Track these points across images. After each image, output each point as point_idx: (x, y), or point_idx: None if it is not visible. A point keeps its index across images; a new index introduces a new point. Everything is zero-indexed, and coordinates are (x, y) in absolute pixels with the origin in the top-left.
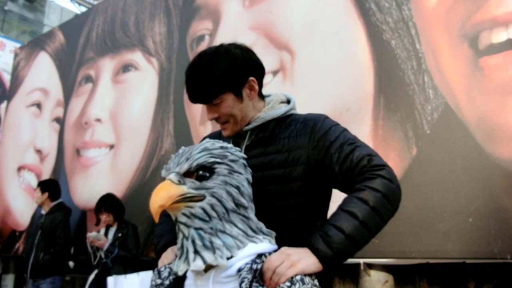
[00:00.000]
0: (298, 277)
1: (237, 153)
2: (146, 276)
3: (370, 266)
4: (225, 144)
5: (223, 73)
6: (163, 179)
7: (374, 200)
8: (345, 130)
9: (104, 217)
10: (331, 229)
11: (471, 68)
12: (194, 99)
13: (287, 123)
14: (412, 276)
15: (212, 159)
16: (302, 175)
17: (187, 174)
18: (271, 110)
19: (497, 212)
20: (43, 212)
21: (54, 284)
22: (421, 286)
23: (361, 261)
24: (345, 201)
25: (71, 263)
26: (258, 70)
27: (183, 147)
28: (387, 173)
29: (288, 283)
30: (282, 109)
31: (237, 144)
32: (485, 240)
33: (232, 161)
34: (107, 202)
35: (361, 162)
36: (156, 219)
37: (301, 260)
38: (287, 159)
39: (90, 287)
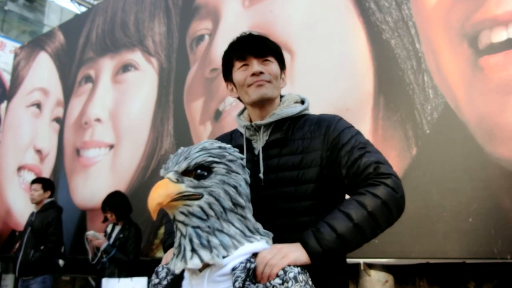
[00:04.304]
0: (291, 275)
1: (235, 153)
2: (140, 282)
3: (370, 266)
4: (223, 145)
5: (278, 45)
6: (162, 178)
7: (372, 206)
8: (358, 133)
9: (108, 216)
10: (324, 226)
11: (471, 68)
12: (250, 50)
13: (301, 123)
14: (412, 276)
15: (211, 159)
16: (316, 177)
17: (186, 173)
18: (286, 109)
19: (497, 212)
20: (34, 210)
21: (44, 284)
22: (421, 286)
23: (361, 261)
24: (344, 203)
25: (61, 262)
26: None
27: (182, 148)
28: (393, 182)
29: (279, 281)
30: (297, 108)
31: (249, 141)
32: (485, 240)
33: (230, 161)
34: (111, 201)
35: (368, 169)
36: (154, 217)
37: (292, 252)
38: (301, 161)
39: (95, 285)
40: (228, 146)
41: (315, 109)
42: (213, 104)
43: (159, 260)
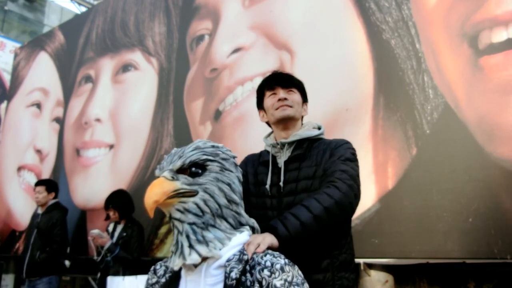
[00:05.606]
0: (278, 266)
1: (228, 152)
2: (144, 280)
3: (370, 266)
4: (216, 144)
5: (301, 82)
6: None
7: (326, 203)
8: (352, 154)
9: (111, 214)
10: (290, 216)
11: (471, 68)
12: (278, 81)
13: (317, 144)
14: (412, 276)
15: (205, 157)
16: None
17: (180, 171)
18: (306, 131)
19: (497, 212)
20: (39, 211)
21: (50, 284)
22: (421, 286)
23: (361, 261)
24: (305, 199)
25: (67, 262)
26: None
27: (175, 148)
28: (346, 189)
29: (268, 272)
30: (315, 132)
31: (274, 157)
32: (485, 240)
33: (224, 159)
34: (115, 199)
35: (335, 173)
36: (151, 215)
37: (267, 237)
38: (315, 173)
39: (98, 284)
40: (221, 145)
41: (315, 109)
42: (213, 104)
43: (159, 260)
